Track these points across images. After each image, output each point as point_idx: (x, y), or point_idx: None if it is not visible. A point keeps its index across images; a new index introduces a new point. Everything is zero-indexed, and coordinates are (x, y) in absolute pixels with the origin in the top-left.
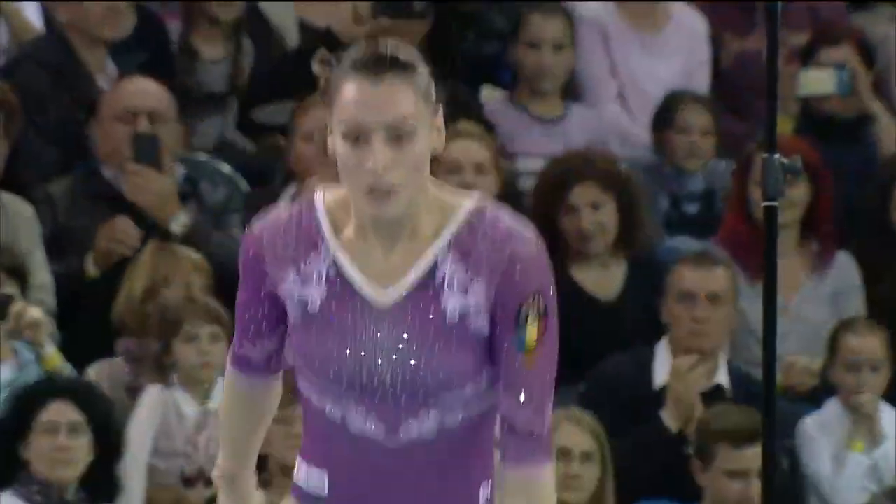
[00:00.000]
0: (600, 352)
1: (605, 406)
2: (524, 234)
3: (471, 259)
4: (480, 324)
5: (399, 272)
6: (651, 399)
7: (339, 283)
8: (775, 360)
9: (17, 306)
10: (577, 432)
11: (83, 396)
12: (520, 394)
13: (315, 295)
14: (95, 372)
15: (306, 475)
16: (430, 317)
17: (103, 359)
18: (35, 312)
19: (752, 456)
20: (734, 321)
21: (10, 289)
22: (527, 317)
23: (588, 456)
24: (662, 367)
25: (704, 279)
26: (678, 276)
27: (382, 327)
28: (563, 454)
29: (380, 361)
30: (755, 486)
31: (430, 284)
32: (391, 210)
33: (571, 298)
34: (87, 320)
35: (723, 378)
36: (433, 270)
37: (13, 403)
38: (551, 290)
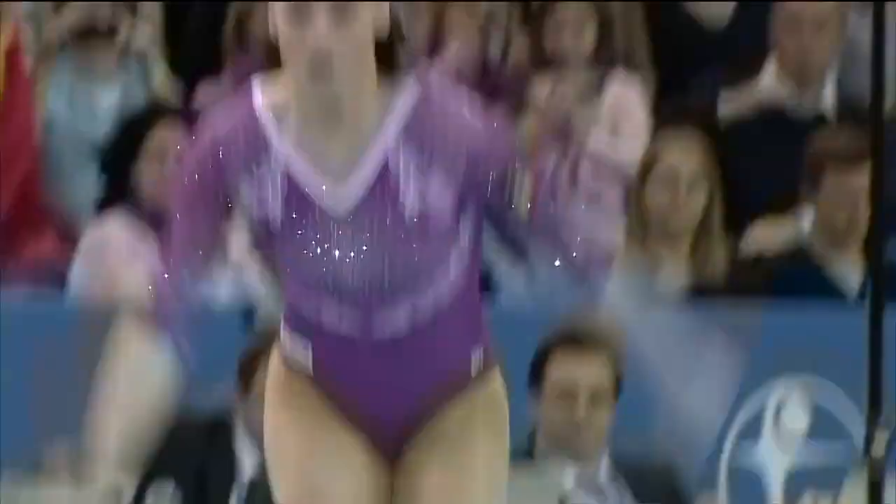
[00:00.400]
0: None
1: (706, 124)
2: (474, 117)
3: (425, 148)
4: (442, 209)
5: (350, 165)
6: None
7: (295, 198)
8: (883, 78)
9: (124, 30)
10: (684, 154)
11: (190, 122)
12: (560, 244)
13: (275, 211)
14: (204, 94)
15: (291, 343)
16: (389, 215)
17: (212, 80)
18: (143, 36)
19: (861, 177)
20: (840, 46)
21: (119, 12)
22: (513, 181)
23: (694, 182)
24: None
25: (811, 3)
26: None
27: (343, 234)
28: (671, 180)
29: (343, 267)
30: (863, 208)
31: (384, 182)
32: (332, 86)
33: (680, 24)
34: (195, 42)
35: (828, 104)
36: (385, 167)
37: (122, 128)
38: (518, 156)
